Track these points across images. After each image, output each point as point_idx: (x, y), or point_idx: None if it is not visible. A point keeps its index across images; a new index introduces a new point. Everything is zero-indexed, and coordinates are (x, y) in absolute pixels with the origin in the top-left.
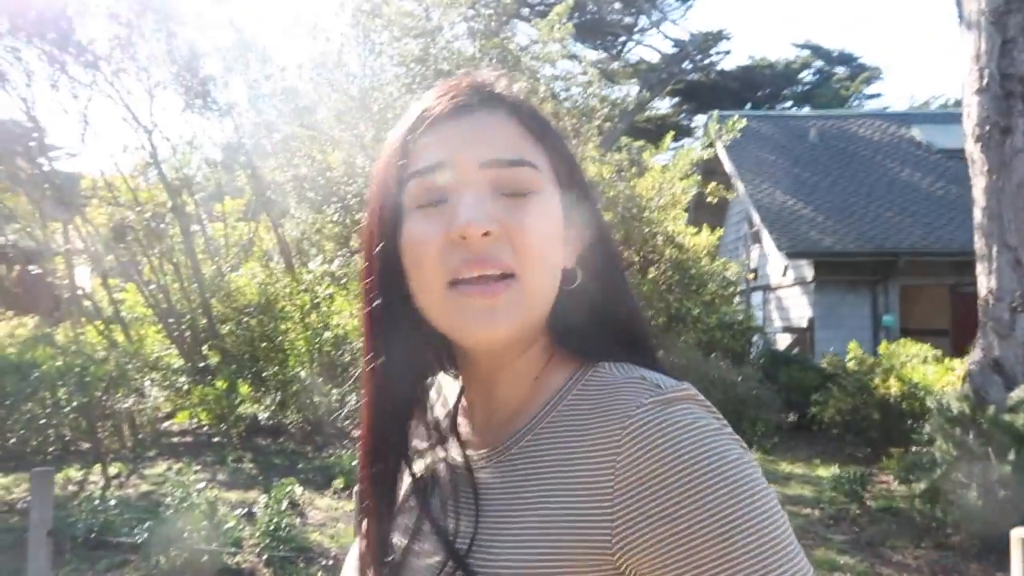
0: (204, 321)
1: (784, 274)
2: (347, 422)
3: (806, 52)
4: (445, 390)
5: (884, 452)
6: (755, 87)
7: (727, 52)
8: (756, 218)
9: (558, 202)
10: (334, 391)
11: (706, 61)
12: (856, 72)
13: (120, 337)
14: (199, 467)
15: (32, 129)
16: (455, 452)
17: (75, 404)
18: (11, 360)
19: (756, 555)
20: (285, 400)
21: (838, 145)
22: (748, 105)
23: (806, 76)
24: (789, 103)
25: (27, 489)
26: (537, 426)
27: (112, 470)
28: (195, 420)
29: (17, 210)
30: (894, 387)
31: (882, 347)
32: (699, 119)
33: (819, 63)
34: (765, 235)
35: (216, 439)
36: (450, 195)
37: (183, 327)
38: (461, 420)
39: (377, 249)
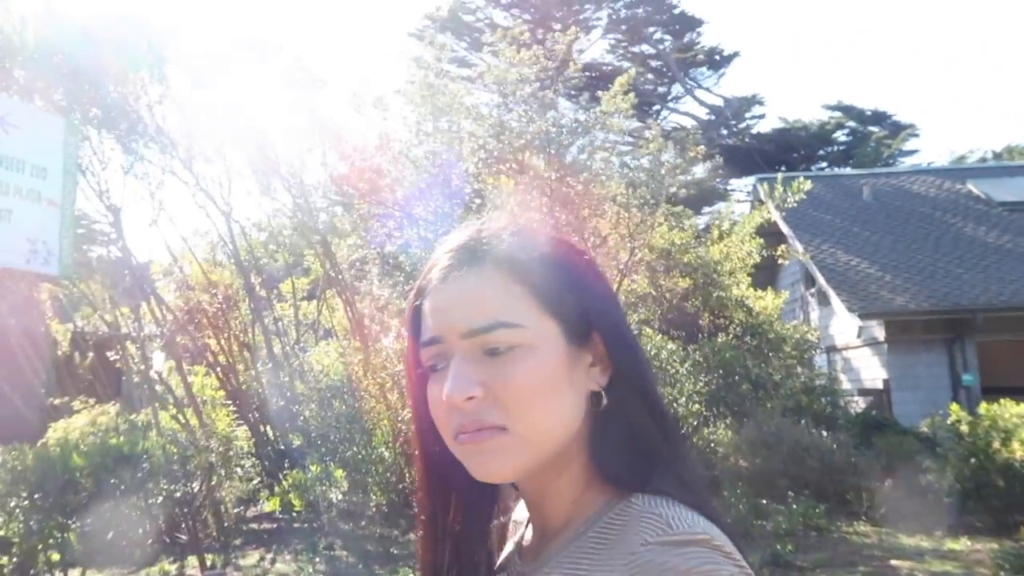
0: (280, 402)
1: (859, 335)
2: None
3: (838, 113)
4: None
5: (1011, 521)
6: (790, 149)
7: (762, 116)
8: (820, 279)
9: (553, 344)
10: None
11: (741, 125)
12: (891, 130)
13: (194, 421)
14: (289, 556)
15: (106, 214)
16: (515, 565)
17: (178, 495)
18: (123, 451)
19: None
20: (367, 482)
21: (893, 202)
22: (783, 167)
23: (840, 136)
24: (824, 164)
25: None
26: (566, 549)
27: (211, 559)
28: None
29: (88, 295)
30: (1018, 451)
31: (983, 408)
32: (735, 183)
33: (852, 123)
34: (832, 296)
35: (296, 525)
36: (448, 360)
37: (253, 408)
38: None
39: (412, 403)
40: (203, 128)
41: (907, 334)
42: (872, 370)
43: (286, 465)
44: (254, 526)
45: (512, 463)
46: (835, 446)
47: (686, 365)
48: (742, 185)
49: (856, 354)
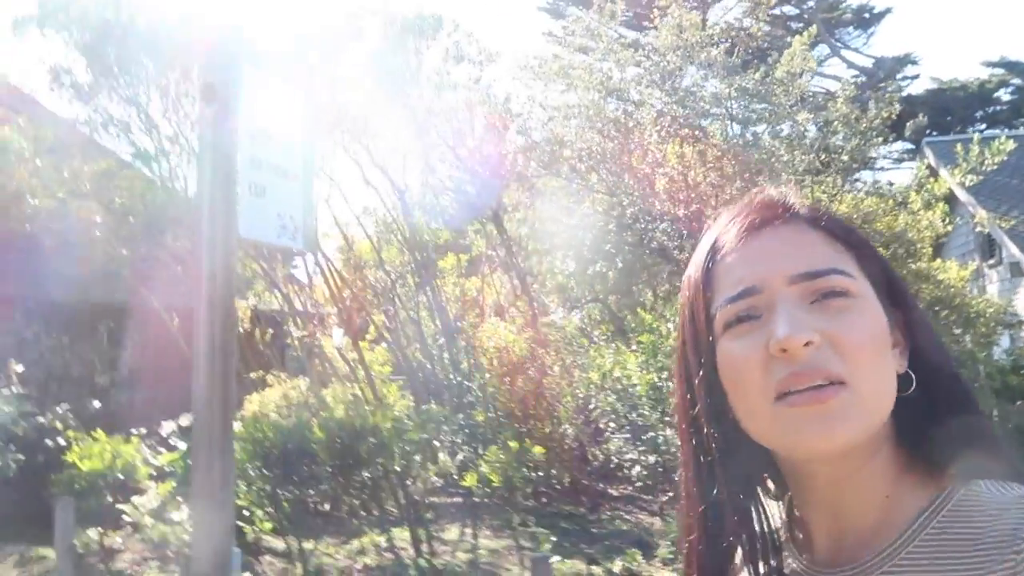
0: (454, 377)
1: None
2: (608, 480)
3: (1000, 70)
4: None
5: None
6: (944, 111)
7: (915, 77)
8: (1013, 249)
9: (878, 305)
10: (596, 449)
11: (892, 88)
12: None
13: (369, 395)
14: (489, 532)
15: None
16: (795, 567)
17: (399, 469)
18: (355, 425)
19: None
20: (552, 459)
21: None
22: (935, 132)
23: (1003, 95)
24: (983, 126)
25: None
26: (903, 550)
27: (405, 535)
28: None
29: (261, 271)
30: None
31: None
32: (883, 149)
33: (1017, 80)
34: None
35: (482, 500)
36: (763, 310)
37: (422, 383)
38: (789, 537)
39: (698, 380)
40: (376, 105)
41: None
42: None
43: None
44: (440, 501)
45: (856, 426)
46: None
47: None
48: (888, 152)
49: None
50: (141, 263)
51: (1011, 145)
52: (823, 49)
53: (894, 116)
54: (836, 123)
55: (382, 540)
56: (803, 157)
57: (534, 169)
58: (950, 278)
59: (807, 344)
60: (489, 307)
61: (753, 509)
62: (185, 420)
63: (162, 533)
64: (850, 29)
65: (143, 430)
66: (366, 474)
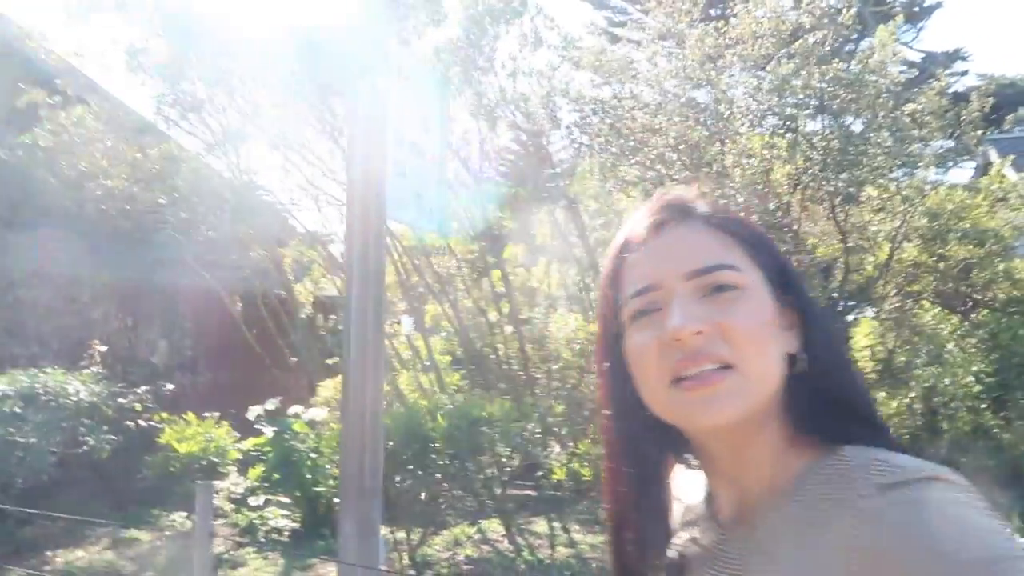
0: (518, 369)
1: None
2: None
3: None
4: (683, 479)
5: None
6: (994, 108)
7: (964, 73)
8: None
9: (767, 294)
10: None
11: (942, 83)
12: None
13: (434, 385)
14: (578, 526)
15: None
16: (708, 533)
17: (504, 459)
18: (473, 414)
19: None
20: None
21: None
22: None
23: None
24: (1010, 123)
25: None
26: (781, 510)
27: (496, 526)
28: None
29: (320, 259)
30: None
31: None
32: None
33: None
34: None
35: (556, 493)
36: (661, 306)
37: (492, 375)
38: (706, 503)
39: (609, 367)
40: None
41: None
42: None
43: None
44: (517, 493)
45: (741, 404)
46: None
47: (972, 342)
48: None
49: None
50: (204, 249)
51: None
52: (871, 42)
53: (986, 108)
54: (926, 115)
55: (473, 531)
56: (903, 147)
57: (610, 158)
58: None
59: (697, 333)
60: (556, 298)
61: (659, 481)
62: (271, 404)
63: (248, 519)
64: (900, 22)
65: (216, 413)
66: (480, 463)
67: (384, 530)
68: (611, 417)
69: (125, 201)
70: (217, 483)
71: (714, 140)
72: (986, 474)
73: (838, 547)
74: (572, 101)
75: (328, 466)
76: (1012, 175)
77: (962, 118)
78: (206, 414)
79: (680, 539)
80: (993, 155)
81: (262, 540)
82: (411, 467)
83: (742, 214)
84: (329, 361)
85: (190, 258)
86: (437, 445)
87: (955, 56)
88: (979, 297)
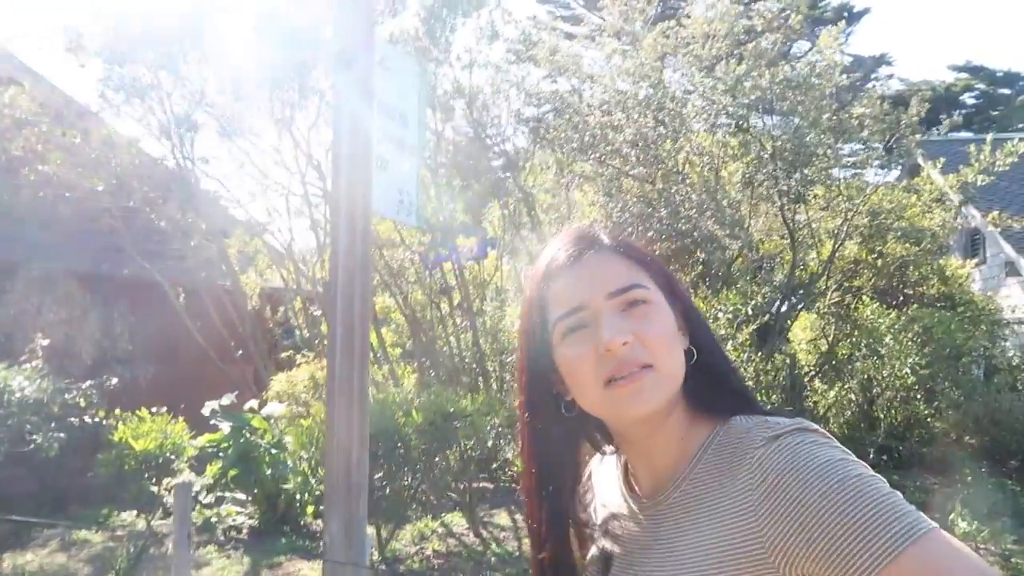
0: (471, 362)
1: None
2: None
3: (965, 74)
4: (599, 476)
5: None
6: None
7: (890, 77)
8: (1008, 250)
9: (667, 306)
10: None
11: (868, 87)
12: (1021, 91)
13: (384, 379)
14: None
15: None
16: (627, 508)
17: (470, 453)
18: (447, 409)
19: (871, 512)
20: None
21: None
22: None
23: (967, 99)
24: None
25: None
26: (690, 474)
27: (458, 519)
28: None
29: (264, 250)
30: None
31: None
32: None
33: (981, 85)
34: None
35: (514, 485)
36: (590, 321)
37: (441, 366)
38: (625, 487)
39: (534, 375)
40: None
41: None
42: None
43: None
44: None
45: (661, 396)
46: None
47: (908, 336)
48: (851, 151)
49: None
50: (145, 238)
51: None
52: (804, 44)
53: (922, 114)
54: (868, 119)
55: (436, 525)
56: (851, 148)
57: (571, 153)
58: (959, 275)
59: (625, 343)
60: (507, 291)
61: (572, 468)
62: (226, 400)
63: (203, 517)
64: (830, 27)
65: (163, 409)
66: (447, 457)
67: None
68: (532, 421)
69: (63, 188)
70: (169, 481)
71: (669, 137)
72: (920, 461)
73: (739, 488)
74: (528, 96)
75: (290, 462)
76: (938, 178)
77: (902, 122)
78: (154, 409)
79: (603, 539)
80: (919, 158)
81: (221, 538)
82: (382, 462)
83: (635, 240)
84: (284, 355)
85: (130, 247)
86: (411, 440)
87: (881, 61)
88: (910, 292)
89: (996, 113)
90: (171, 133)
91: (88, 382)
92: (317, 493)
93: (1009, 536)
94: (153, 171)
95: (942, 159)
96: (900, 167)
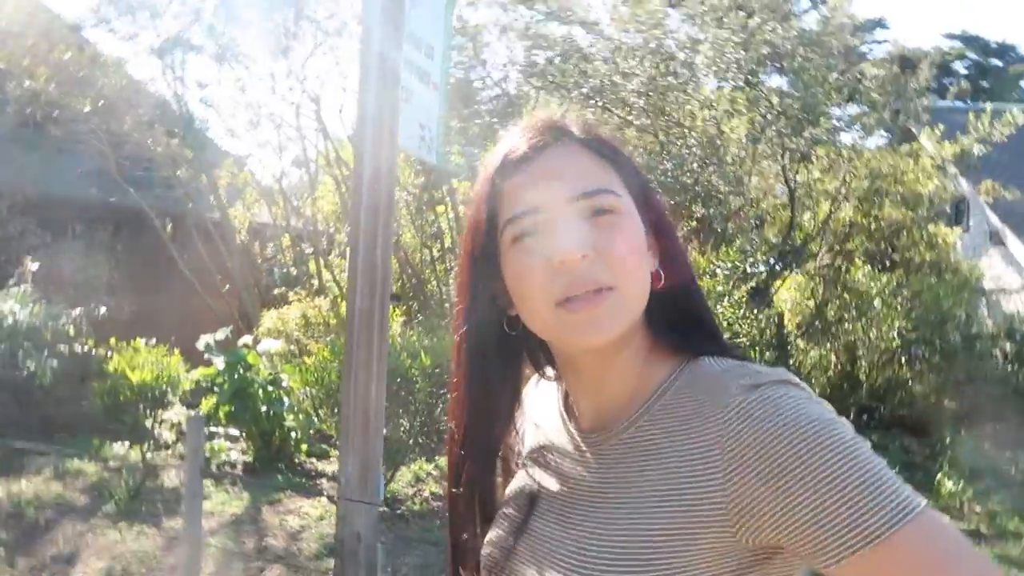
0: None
1: None
2: None
3: (959, 43)
4: (535, 399)
5: None
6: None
7: (883, 42)
8: (993, 219)
9: (637, 215)
10: None
11: (862, 50)
12: (1016, 63)
13: None
14: None
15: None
16: (567, 440)
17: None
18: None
19: (863, 486)
20: None
21: None
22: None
23: (960, 68)
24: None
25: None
26: (647, 413)
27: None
28: None
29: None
30: None
31: None
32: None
33: (974, 55)
34: (1010, 237)
35: None
36: (546, 227)
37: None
38: (566, 416)
39: (475, 283)
40: None
41: None
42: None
43: None
44: None
45: (621, 322)
46: None
47: (897, 300)
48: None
49: (1014, 297)
50: (133, 164)
51: (1022, 118)
52: (804, 3)
53: (929, 79)
54: (876, 80)
55: (430, 467)
56: (857, 109)
57: (579, 99)
58: (949, 243)
59: (583, 257)
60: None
61: (510, 393)
62: (221, 334)
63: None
64: None
65: (152, 339)
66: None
67: None
68: (470, 336)
69: (50, 107)
70: (160, 413)
71: (678, 89)
72: (900, 423)
73: (706, 439)
74: (536, 37)
75: (287, 400)
76: (928, 144)
77: (911, 86)
78: (145, 341)
79: (532, 468)
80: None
81: (216, 472)
82: (386, 404)
83: (608, 131)
84: (276, 292)
85: (117, 173)
86: (417, 383)
87: (878, 24)
88: (898, 258)
89: (986, 84)
90: (163, 54)
91: (78, 309)
92: (319, 431)
93: (995, 496)
94: (142, 95)
95: (941, 126)
96: (890, 133)
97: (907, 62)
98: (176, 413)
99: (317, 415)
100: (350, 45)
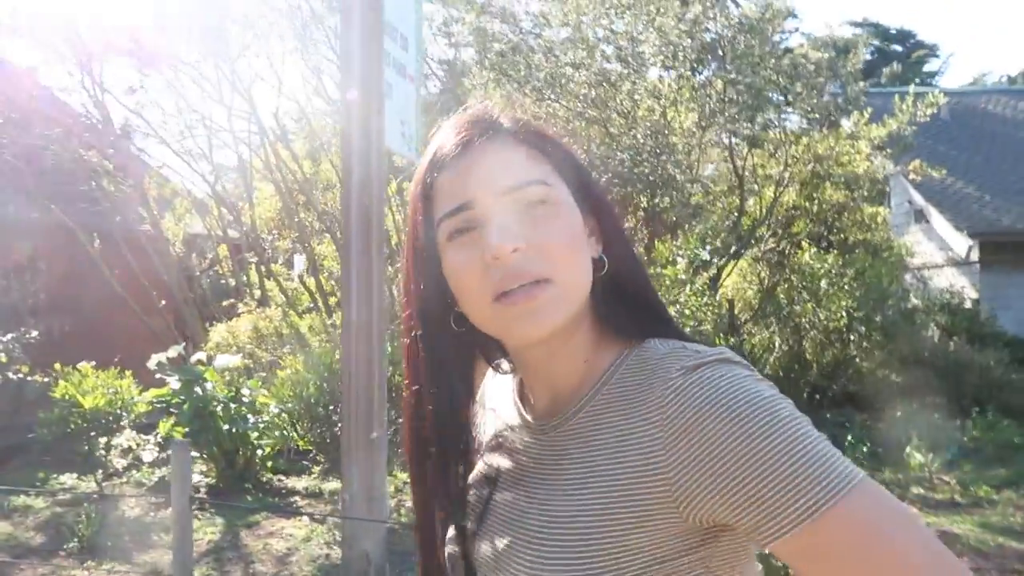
0: None
1: (968, 255)
2: None
3: (860, 30)
4: (492, 390)
5: None
6: None
7: (795, 30)
8: (918, 197)
9: (573, 203)
10: None
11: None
12: (914, 50)
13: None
14: None
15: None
16: (522, 428)
17: None
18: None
19: (801, 462)
20: None
21: (971, 122)
22: None
23: (863, 54)
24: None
25: None
26: (595, 398)
27: None
28: None
29: (183, 193)
30: None
31: None
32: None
33: (876, 42)
34: (934, 214)
35: None
36: (479, 222)
37: None
38: (520, 404)
39: (420, 282)
40: None
41: (1000, 255)
42: (959, 290)
43: None
44: None
45: (559, 315)
46: (992, 362)
47: (843, 280)
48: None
49: (936, 273)
50: (52, 179)
51: (943, 99)
52: None
53: (861, 63)
54: (813, 64)
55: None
56: (804, 94)
57: (532, 92)
58: (879, 222)
59: (515, 251)
60: None
61: (464, 390)
62: (173, 351)
63: (159, 477)
64: None
65: (92, 362)
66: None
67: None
68: (420, 336)
69: None
70: (108, 440)
71: (628, 79)
72: (851, 400)
73: (649, 420)
74: (473, 32)
75: (251, 416)
76: (848, 126)
77: (847, 69)
78: (80, 364)
79: (491, 456)
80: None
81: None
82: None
83: (543, 124)
84: (224, 303)
85: (35, 189)
86: (404, 389)
87: (788, 14)
88: (833, 239)
89: (887, 69)
90: (82, 60)
91: (8, 335)
92: (297, 447)
93: (965, 466)
94: (57, 104)
95: (869, 109)
96: (817, 117)
97: (838, 47)
98: (127, 438)
99: (295, 431)
100: (282, 46)
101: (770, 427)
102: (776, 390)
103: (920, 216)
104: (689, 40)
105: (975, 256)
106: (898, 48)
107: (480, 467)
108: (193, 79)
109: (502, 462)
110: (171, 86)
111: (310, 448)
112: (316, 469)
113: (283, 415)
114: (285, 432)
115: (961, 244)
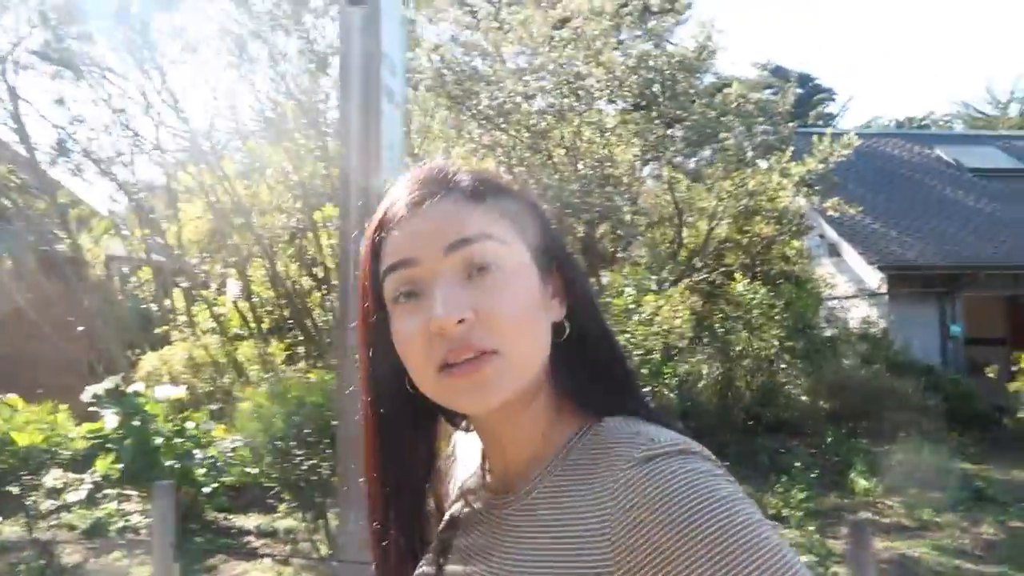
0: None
1: (879, 287)
2: None
3: (765, 73)
4: (463, 441)
5: None
6: None
7: (709, 71)
8: (831, 232)
9: (530, 265)
10: None
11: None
12: (812, 93)
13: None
14: None
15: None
16: (480, 498)
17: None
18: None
19: (753, 570)
20: None
21: (873, 163)
22: None
23: (767, 96)
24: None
25: None
26: (547, 478)
27: None
28: None
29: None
30: None
31: None
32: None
33: (777, 84)
34: (847, 249)
35: None
36: (424, 287)
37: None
38: (483, 463)
39: (376, 348)
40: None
41: (906, 286)
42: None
43: None
44: None
45: (508, 389)
46: (910, 390)
47: (774, 310)
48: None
49: (850, 304)
50: None
51: (857, 141)
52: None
53: (791, 104)
54: (751, 103)
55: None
56: (743, 132)
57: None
58: (801, 255)
59: (461, 321)
60: None
61: (425, 459)
62: (110, 383)
63: (86, 517)
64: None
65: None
66: None
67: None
68: (375, 399)
69: None
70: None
71: (576, 112)
72: (783, 426)
73: (597, 513)
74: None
75: (197, 452)
76: (762, 164)
77: (779, 109)
78: (9, 396)
79: (457, 504)
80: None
81: (122, 542)
82: (329, 450)
83: (508, 181)
84: (158, 330)
85: None
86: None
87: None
88: (759, 270)
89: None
90: None
91: None
92: (256, 484)
93: (907, 490)
94: None
95: (790, 149)
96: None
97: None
98: (53, 478)
99: (261, 467)
100: (216, 59)
101: (722, 532)
102: (735, 485)
103: (833, 250)
104: (634, 76)
105: (884, 288)
106: (799, 91)
107: (441, 526)
108: (111, 94)
109: (464, 521)
110: (91, 99)
111: (273, 485)
112: (281, 508)
113: (247, 449)
114: (247, 469)
115: (873, 277)
